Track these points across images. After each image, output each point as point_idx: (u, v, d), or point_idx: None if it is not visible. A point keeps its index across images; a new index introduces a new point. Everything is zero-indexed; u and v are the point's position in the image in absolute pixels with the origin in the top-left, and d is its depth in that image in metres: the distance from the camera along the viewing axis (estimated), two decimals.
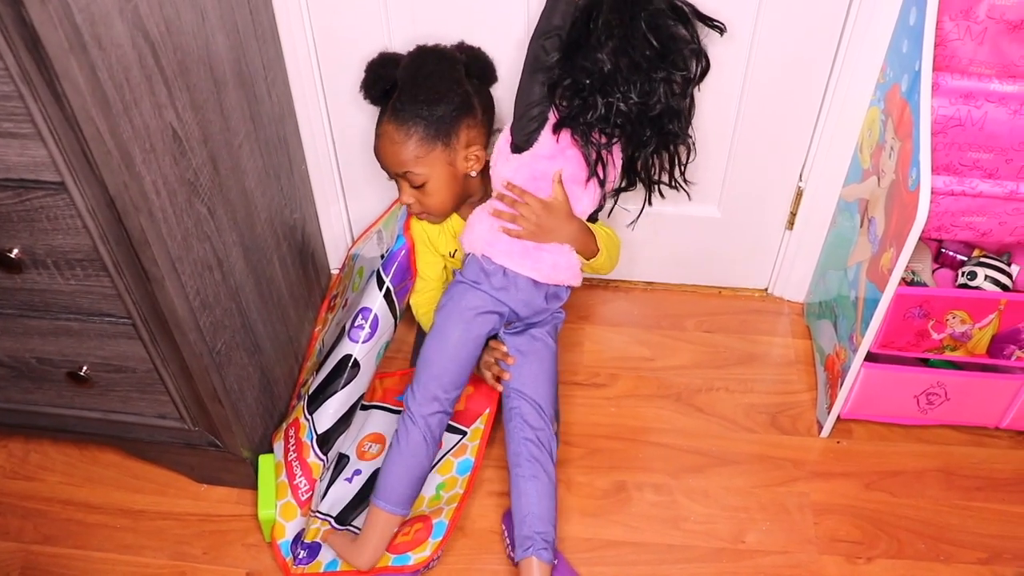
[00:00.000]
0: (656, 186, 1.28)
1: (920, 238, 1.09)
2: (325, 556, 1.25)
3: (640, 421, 1.46)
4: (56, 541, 1.34)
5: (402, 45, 1.28)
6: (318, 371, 1.36)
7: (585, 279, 1.36)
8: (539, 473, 1.22)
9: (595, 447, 1.42)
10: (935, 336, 1.23)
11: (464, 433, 1.36)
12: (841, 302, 1.37)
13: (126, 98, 0.89)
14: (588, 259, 1.30)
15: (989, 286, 1.28)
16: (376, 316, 1.32)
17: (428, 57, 1.23)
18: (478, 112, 1.26)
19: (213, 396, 1.19)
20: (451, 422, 1.35)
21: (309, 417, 1.31)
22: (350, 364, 1.31)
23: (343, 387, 1.31)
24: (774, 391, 1.50)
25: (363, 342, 1.31)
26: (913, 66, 1.11)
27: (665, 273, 1.39)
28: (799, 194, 1.47)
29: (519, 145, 1.21)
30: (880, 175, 1.22)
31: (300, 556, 1.25)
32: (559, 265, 1.26)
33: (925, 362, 1.33)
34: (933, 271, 1.38)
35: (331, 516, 1.28)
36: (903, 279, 1.17)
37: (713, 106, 1.34)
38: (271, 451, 1.34)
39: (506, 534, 1.28)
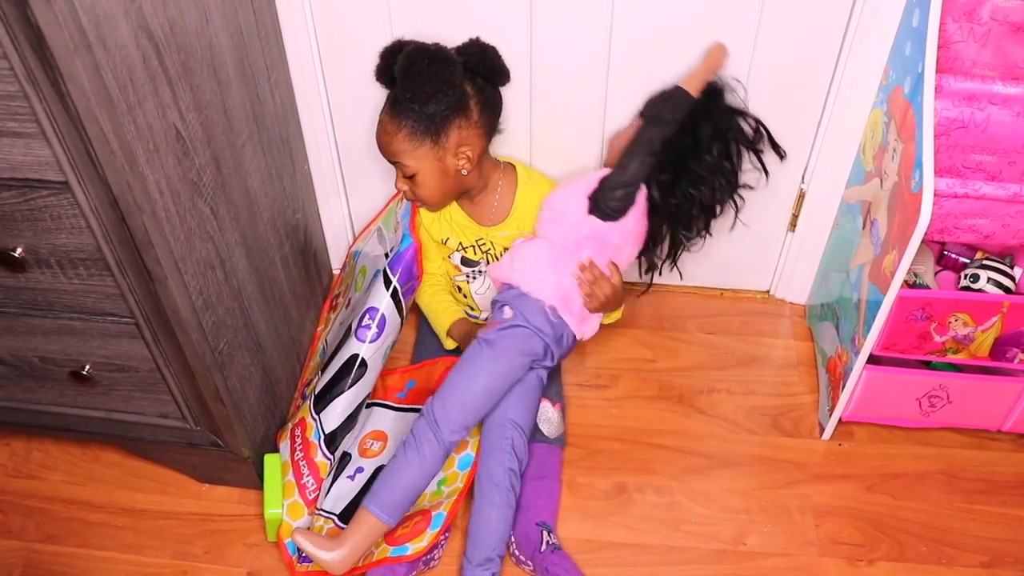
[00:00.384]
0: (674, 264, 1.39)
1: (923, 240, 1.09)
2: None
3: (641, 422, 1.46)
4: (58, 540, 1.34)
5: None
6: (324, 371, 1.35)
7: None
8: (512, 503, 1.25)
9: (596, 448, 1.42)
10: (937, 339, 1.23)
11: None
12: (843, 304, 1.37)
13: (130, 98, 0.89)
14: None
15: (992, 289, 1.27)
16: (383, 316, 1.32)
17: (420, 57, 1.22)
18: (473, 113, 1.26)
19: (215, 396, 1.19)
20: None
21: (316, 416, 1.31)
22: (357, 364, 1.31)
23: (350, 387, 1.31)
24: (776, 393, 1.50)
25: (370, 342, 1.31)
26: (916, 68, 1.11)
27: (667, 274, 1.39)
28: (801, 196, 1.47)
29: (606, 213, 1.27)
30: (883, 177, 1.22)
31: (305, 555, 1.25)
32: (595, 326, 1.35)
33: (927, 364, 1.33)
34: (935, 273, 1.38)
35: (334, 514, 1.28)
36: (905, 281, 1.17)
37: None
38: (275, 451, 1.34)
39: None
